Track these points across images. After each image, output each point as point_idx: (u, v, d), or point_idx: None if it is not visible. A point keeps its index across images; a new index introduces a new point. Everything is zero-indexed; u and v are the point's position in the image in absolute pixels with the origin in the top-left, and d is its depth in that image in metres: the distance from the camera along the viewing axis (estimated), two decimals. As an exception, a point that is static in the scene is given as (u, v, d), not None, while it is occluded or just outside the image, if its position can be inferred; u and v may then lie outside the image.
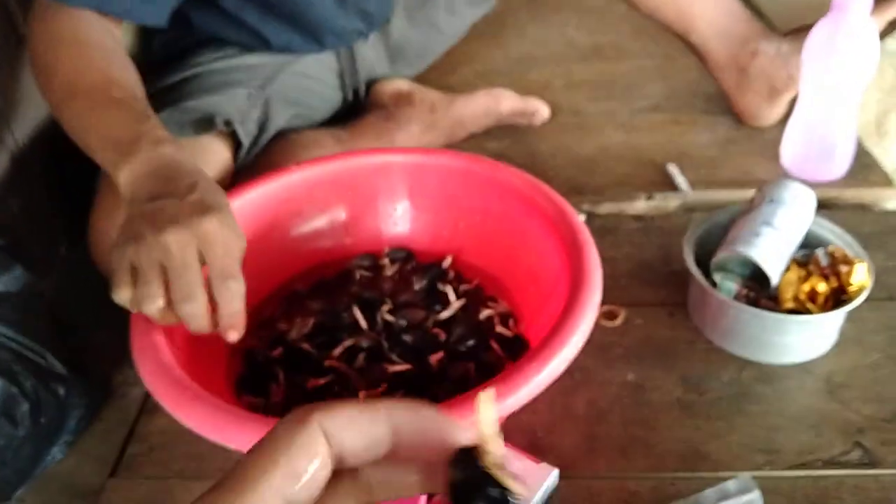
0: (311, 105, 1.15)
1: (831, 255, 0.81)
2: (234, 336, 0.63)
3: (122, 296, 0.61)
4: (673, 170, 1.14)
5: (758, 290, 0.82)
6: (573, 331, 0.64)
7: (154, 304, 0.60)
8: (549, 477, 0.68)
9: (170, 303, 0.60)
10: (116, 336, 0.71)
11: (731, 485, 0.67)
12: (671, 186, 1.11)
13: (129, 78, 0.80)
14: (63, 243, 1.07)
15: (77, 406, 0.78)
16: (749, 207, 0.85)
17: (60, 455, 0.77)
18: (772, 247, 0.80)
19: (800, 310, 0.79)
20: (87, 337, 0.89)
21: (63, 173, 1.06)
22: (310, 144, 1.05)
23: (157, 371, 0.63)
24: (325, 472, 0.30)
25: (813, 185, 0.88)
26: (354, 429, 0.30)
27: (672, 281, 0.93)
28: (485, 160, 0.87)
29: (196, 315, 0.60)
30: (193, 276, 0.60)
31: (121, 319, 0.68)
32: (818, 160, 1.08)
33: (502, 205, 0.85)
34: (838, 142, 1.06)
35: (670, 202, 1.07)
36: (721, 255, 0.83)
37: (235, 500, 0.27)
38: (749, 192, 0.91)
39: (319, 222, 0.91)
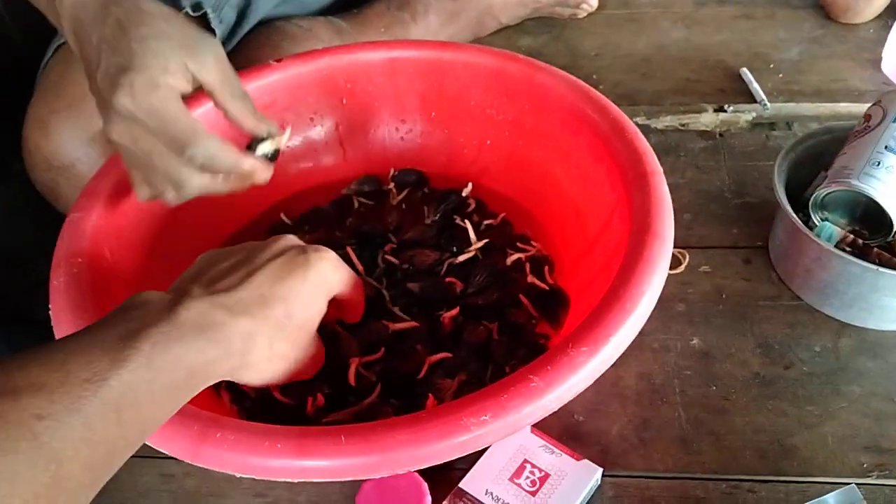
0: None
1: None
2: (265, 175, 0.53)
3: (143, 195, 0.52)
4: (747, 76, 0.93)
5: (866, 236, 0.64)
6: (640, 293, 0.46)
7: (170, 190, 0.50)
8: (592, 479, 0.52)
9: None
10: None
11: (830, 500, 0.51)
12: (745, 96, 0.91)
13: None
14: (15, 158, 0.90)
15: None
16: (863, 127, 0.65)
17: None
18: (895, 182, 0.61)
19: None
20: (31, 281, 0.74)
21: (17, 76, 0.88)
22: (300, 36, 0.85)
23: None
24: None
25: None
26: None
27: (748, 217, 0.74)
28: (519, 58, 0.67)
29: (214, 156, 0.49)
30: (183, 123, 0.48)
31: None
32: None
33: (539, 117, 0.66)
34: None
35: (744, 115, 0.87)
36: (823, 190, 0.64)
37: None
38: (840, 105, 0.71)
39: (308, 136, 0.73)
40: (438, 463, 0.41)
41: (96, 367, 0.34)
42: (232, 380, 0.43)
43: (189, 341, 0.38)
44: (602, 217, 0.59)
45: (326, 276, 0.47)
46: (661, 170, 0.55)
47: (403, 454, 0.40)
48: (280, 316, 0.43)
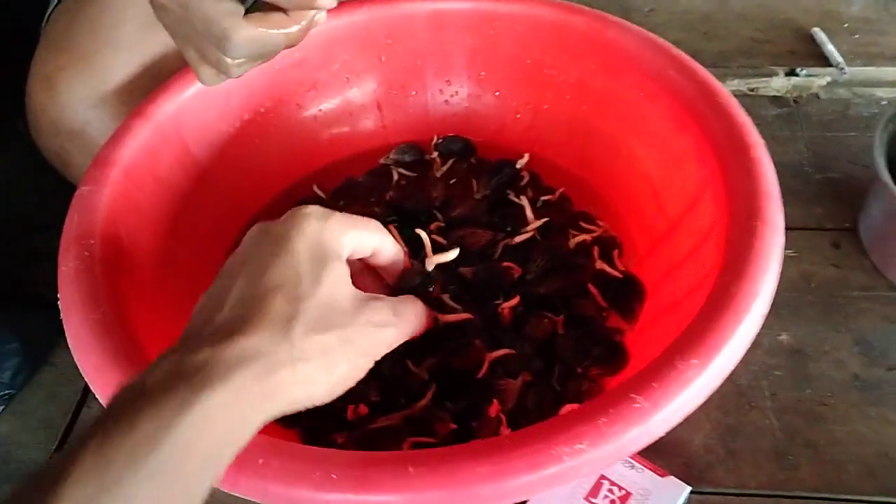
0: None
1: None
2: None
3: (207, 76, 0.43)
4: (820, 36, 0.84)
5: (983, 218, 0.56)
6: (754, 292, 0.39)
7: (226, 67, 0.42)
8: (680, 498, 0.46)
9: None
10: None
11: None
12: (817, 59, 0.82)
13: None
14: (19, 117, 0.83)
15: (11, 352, 0.56)
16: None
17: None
18: None
19: None
20: (32, 252, 0.67)
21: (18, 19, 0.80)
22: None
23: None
24: None
25: None
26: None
27: (832, 195, 0.67)
28: (586, 11, 0.59)
29: None
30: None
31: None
32: None
33: (609, 79, 0.58)
34: None
35: (817, 80, 0.79)
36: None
37: None
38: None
39: (343, 98, 0.65)
40: (524, 499, 0.34)
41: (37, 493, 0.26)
42: (282, 413, 0.34)
43: (161, 406, 0.29)
44: (687, 196, 0.51)
45: (316, 234, 0.37)
46: (763, 142, 0.47)
47: (485, 489, 0.33)
48: (281, 310, 0.34)
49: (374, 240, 0.41)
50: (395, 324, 0.39)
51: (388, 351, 0.39)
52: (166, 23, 0.43)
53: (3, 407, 0.58)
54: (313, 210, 0.38)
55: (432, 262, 0.48)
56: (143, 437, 0.27)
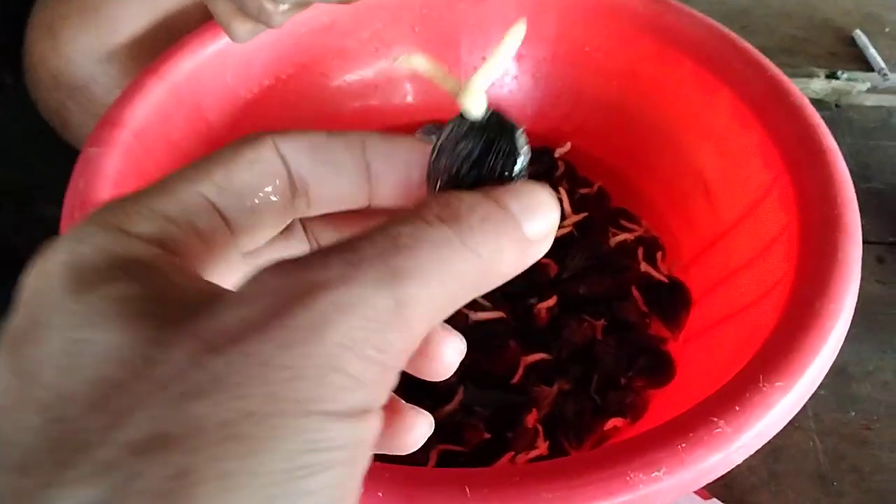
0: None
1: None
2: None
3: (239, 31, 0.42)
4: (861, 39, 0.81)
5: None
6: (839, 309, 0.36)
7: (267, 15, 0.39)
8: (725, 525, 0.42)
9: None
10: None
11: None
12: (860, 62, 0.79)
13: None
14: (6, 69, 0.77)
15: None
16: None
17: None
18: None
19: None
20: (21, 217, 0.62)
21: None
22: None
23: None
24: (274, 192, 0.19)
25: None
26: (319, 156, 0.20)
27: (876, 207, 0.64)
28: (644, -8, 0.55)
29: None
30: None
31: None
32: None
33: (663, 67, 0.54)
34: None
35: (857, 85, 0.76)
36: None
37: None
38: None
39: (369, 69, 0.60)
40: (590, 530, 0.30)
41: None
42: None
43: None
44: (747, 199, 0.47)
45: None
46: (837, 148, 0.44)
47: (550, 518, 0.29)
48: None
49: None
50: None
51: None
52: None
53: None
54: None
55: None
56: None
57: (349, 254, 0.15)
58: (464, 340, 0.21)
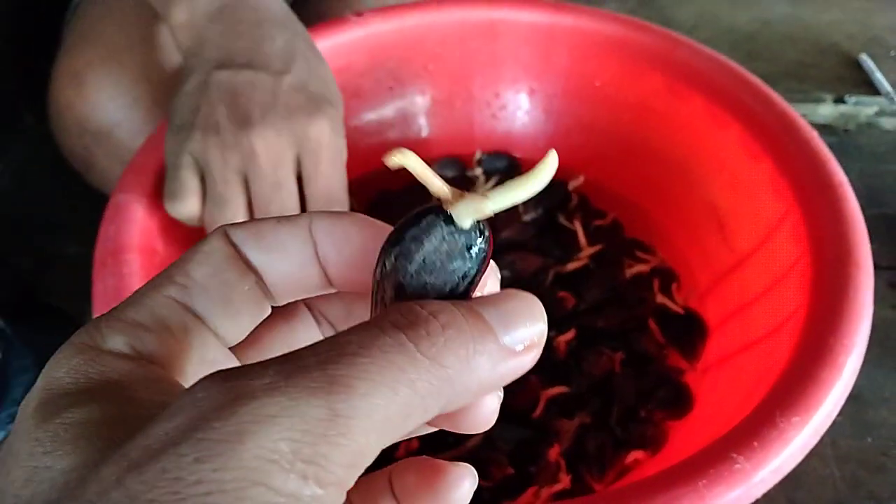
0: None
1: None
2: None
3: (185, 208, 0.42)
4: (867, 63, 0.82)
5: None
6: (853, 344, 0.36)
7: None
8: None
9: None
10: (87, 255, 0.44)
11: None
12: (866, 86, 0.80)
13: None
14: (29, 111, 0.78)
15: (25, 368, 0.52)
16: None
17: (2, 435, 0.53)
18: None
19: None
20: (45, 255, 0.63)
21: (32, 9, 0.76)
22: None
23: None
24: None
25: None
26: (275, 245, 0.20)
27: (887, 231, 0.64)
28: (654, 28, 0.56)
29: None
30: (288, 199, 0.43)
31: (94, 227, 0.42)
32: None
33: (675, 100, 0.55)
34: None
35: (864, 109, 0.77)
36: None
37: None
38: None
39: (385, 107, 0.61)
40: (615, 568, 0.31)
41: None
42: None
43: None
44: (759, 231, 0.48)
45: None
46: (847, 181, 0.45)
47: (577, 558, 0.30)
48: None
49: None
50: None
51: None
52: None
53: (12, 423, 0.54)
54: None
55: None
56: None
57: (287, 364, 0.14)
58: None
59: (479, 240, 0.17)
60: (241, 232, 0.19)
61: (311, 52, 0.47)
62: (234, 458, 0.13)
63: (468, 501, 0.20)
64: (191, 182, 0.42)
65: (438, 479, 0.20)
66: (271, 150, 0.42)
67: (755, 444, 0.33)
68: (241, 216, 0.42)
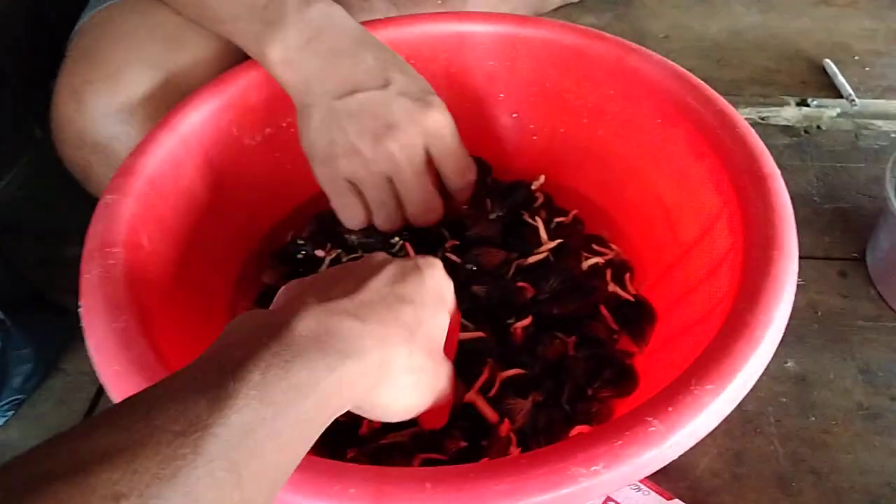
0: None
1: None
2: None
3: (359, 221, 0.56)
4: (831, 67, 0.85)
5: None
6: (769, 320, 0.40)
7: (394, 226, 0.56)
8: (686, 522, 0.46)
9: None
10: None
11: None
12: (828, 90, 0.83)
13: None
14: (37, 124, 0.83)
15: (24, 358, 0.57)
16: None
17: (1, 423, 0.57)
18: None
19: None
20: (46, 258, 0.68)
21: (44, 30, 0.81)
22: (356, 6, 0.78)
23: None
24: None
25: None
26: None
27: (841, 225, 0.68)
28: (607, 38, 0.60)
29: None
30: (429, 183, 0.54)
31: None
32: None
33: (627, 105, 0.59)
34: None
35: (827, 111, 0.80)
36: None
37: None
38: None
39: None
40: (538, 518, 0.34)
41: (192, 413, 0.24)
42: (362, 408, 0.36)
43: (313, 358, 0.30)
44: (701, 223, 0.52)
45: (442, 282, 0.41)
46: (779, 173, 0.48)
47: (500, 507, 0.34)
48: (410, 319, 0.36)
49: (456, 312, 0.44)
50: (446, 390, 0.41)
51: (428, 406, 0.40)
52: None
53: (13, 412, 0.58)
54: (440, 262, 0.42)
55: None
56: (297, 383, 0.29)
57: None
58: None
59: None
60: None
61: (391, 56, 0.54)
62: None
63: None
64: (354, 201, 0.54)
65: None
66: (405, 150, 0.51)
67: (670, 408, 0.36)
68: (395, 207, 0.54)
